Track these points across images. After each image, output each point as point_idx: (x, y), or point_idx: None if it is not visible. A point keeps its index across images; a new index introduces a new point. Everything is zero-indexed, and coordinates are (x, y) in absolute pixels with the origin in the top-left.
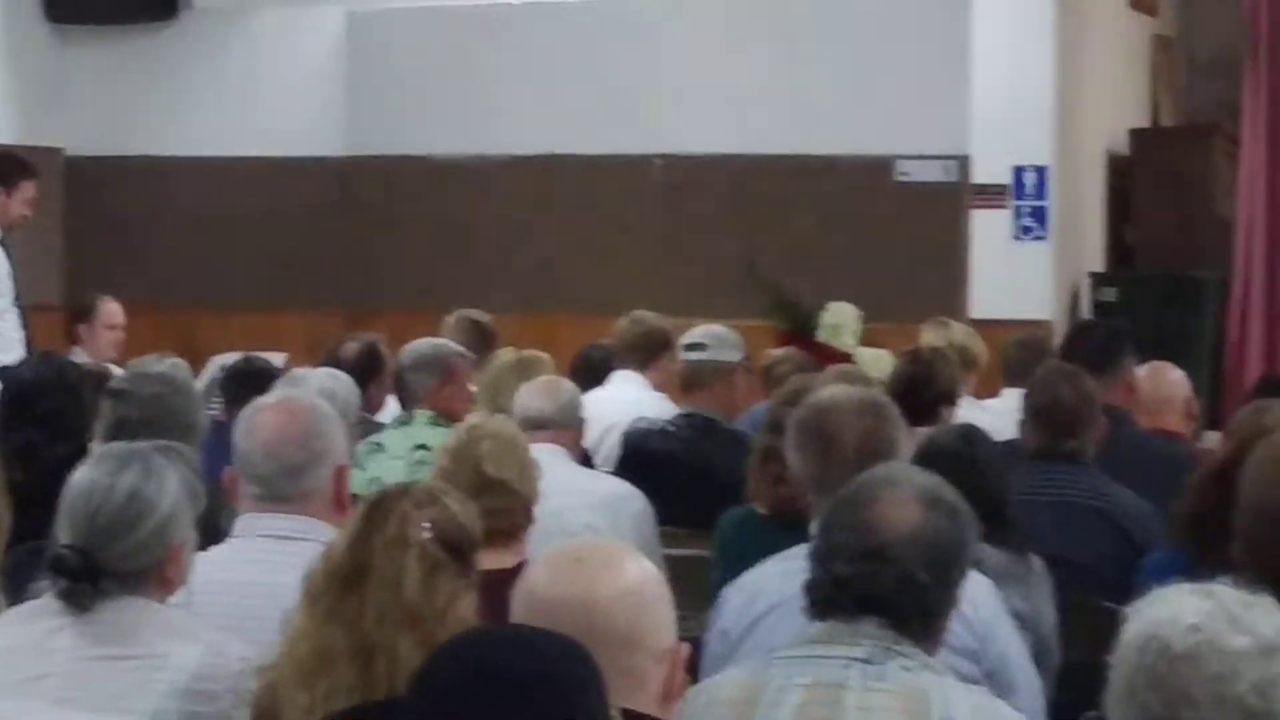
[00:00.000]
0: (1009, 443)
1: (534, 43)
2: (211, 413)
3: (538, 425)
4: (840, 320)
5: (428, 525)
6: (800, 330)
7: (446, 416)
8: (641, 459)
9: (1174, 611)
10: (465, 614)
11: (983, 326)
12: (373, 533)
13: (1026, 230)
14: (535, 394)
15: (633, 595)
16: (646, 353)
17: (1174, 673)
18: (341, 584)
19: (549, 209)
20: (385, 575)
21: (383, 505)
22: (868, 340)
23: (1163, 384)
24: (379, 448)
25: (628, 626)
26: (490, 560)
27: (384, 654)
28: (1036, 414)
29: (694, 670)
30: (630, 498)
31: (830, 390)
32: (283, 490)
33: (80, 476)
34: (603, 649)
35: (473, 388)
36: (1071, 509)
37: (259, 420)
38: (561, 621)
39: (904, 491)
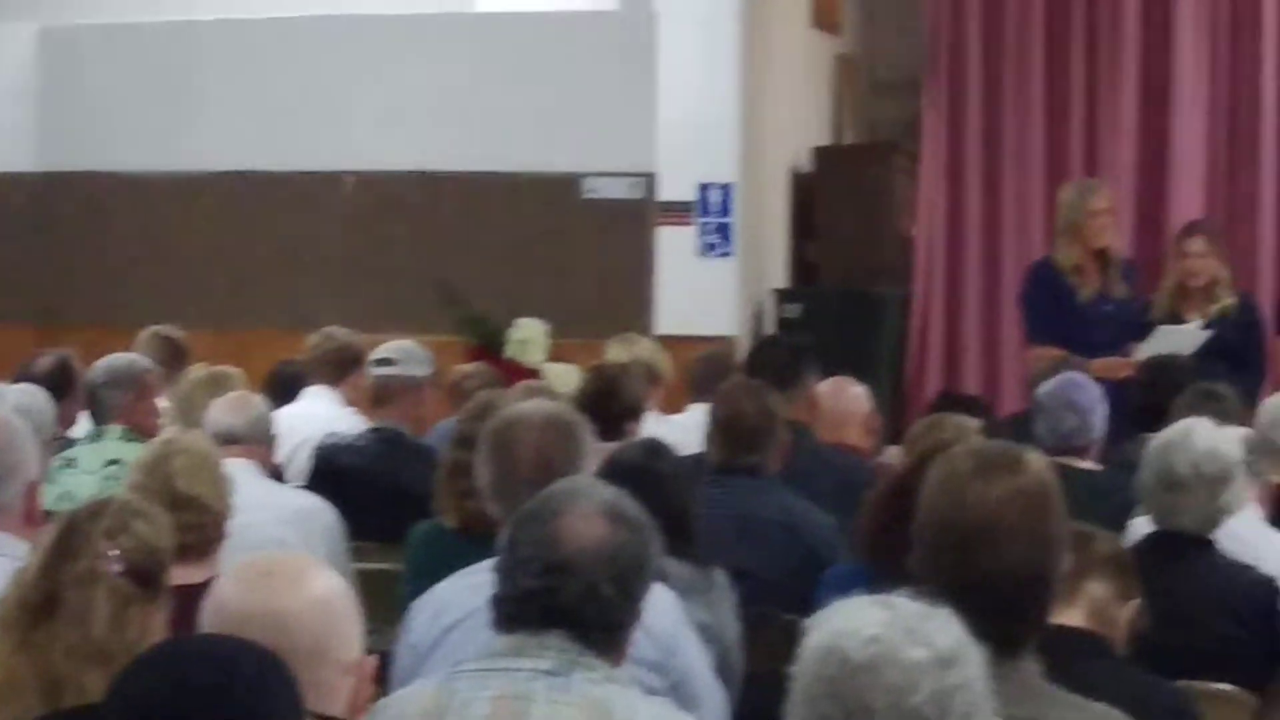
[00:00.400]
0: (693, 457)
1: (227, 59)
2: None
3: (229, 440)
4: (528, 336)
5: (117, 555)
6: (489, 346)
7: (139, 432)
8: (331, 474)
9: (853, 623)
10: (156, 638)
11: (669, 342)
12: (63, 562)
13: (711, 247)
14: (226, 409)
15: (321, 608)
16: (338, 368)
17: (853, 683)
18: (32, 615)
19: (241, 225)
20: (75, 611)
21: (74, 532)
22: (556, 356)
23: (844, 399)
24: (71, 463)
25: (316, 639)
26: (182, 575)
27: (72, 688)
28: (720, 428)
29: (383, 683)
30: (320, 512)
31: (520, 405)
32: None
33: None
34: (291, 661)
35: (163, 403)
36: (754, 522)
37: None
38: (251, 634)
39: (588, 505)
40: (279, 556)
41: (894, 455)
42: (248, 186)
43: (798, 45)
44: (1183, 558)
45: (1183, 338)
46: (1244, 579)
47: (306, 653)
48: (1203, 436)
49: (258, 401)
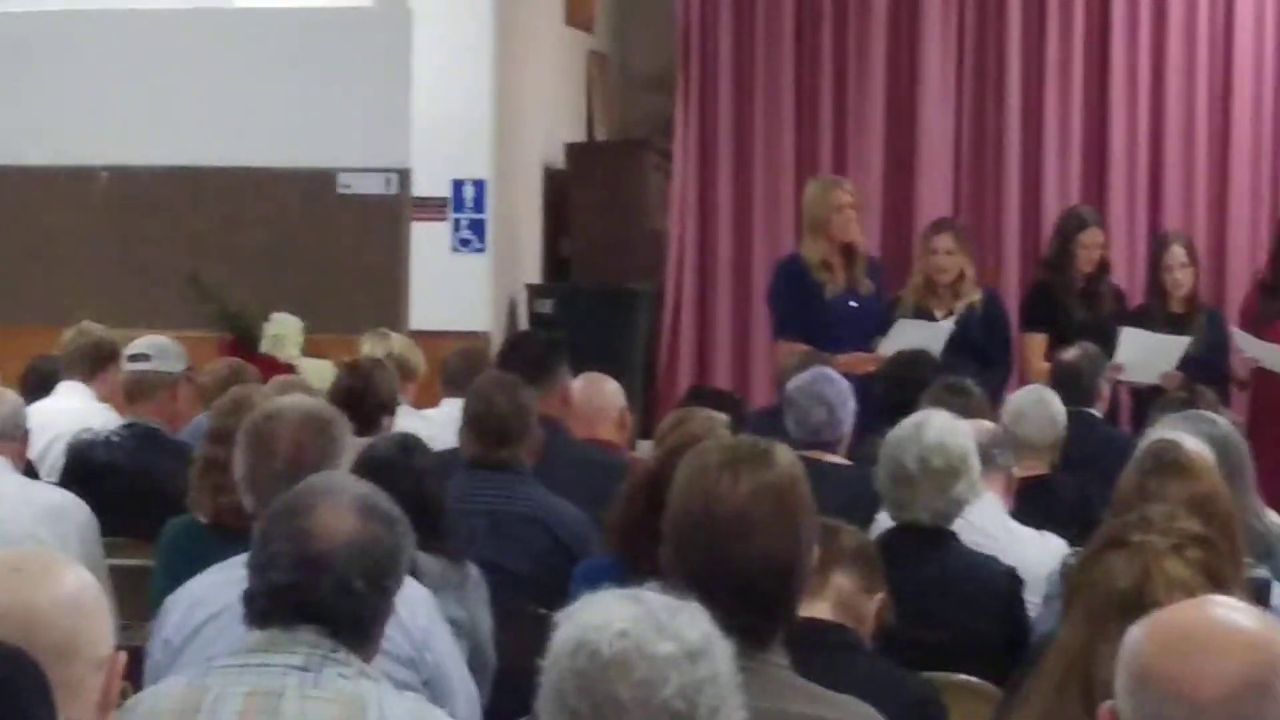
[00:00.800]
0: (448, 452)
1: None
2: None
3: None
4: (283, 331)
5: None
6: (244, 341)
7: None
8: (85, 469)
9: (604, 617)
10: None
11: (423, 337)
12: None
13: (465, 243)
14: None
15: (71, 604)
16: (93, 363)
17: (603, 678)
18: None
19: None
20: None
21: None
22: (310, 351)
23: (597, 395)
24: None
25: (66, 635)
26: None
27: None
28: (473, 423)
29: (135, 679)
30: (74, 508)
31: (279, 400)
32: None
33: None
34: (41, 658)
35: None
36: (507, 517)
37: None
38: None
39: (341, 500)
40: (27, 552)
41: (646, 450)
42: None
43: (551, 42)
44: (923, 551)
45: (922, 331)
46: (985, 571)
47: (56, 649)
48: (932, 430)
49: (10, 397)
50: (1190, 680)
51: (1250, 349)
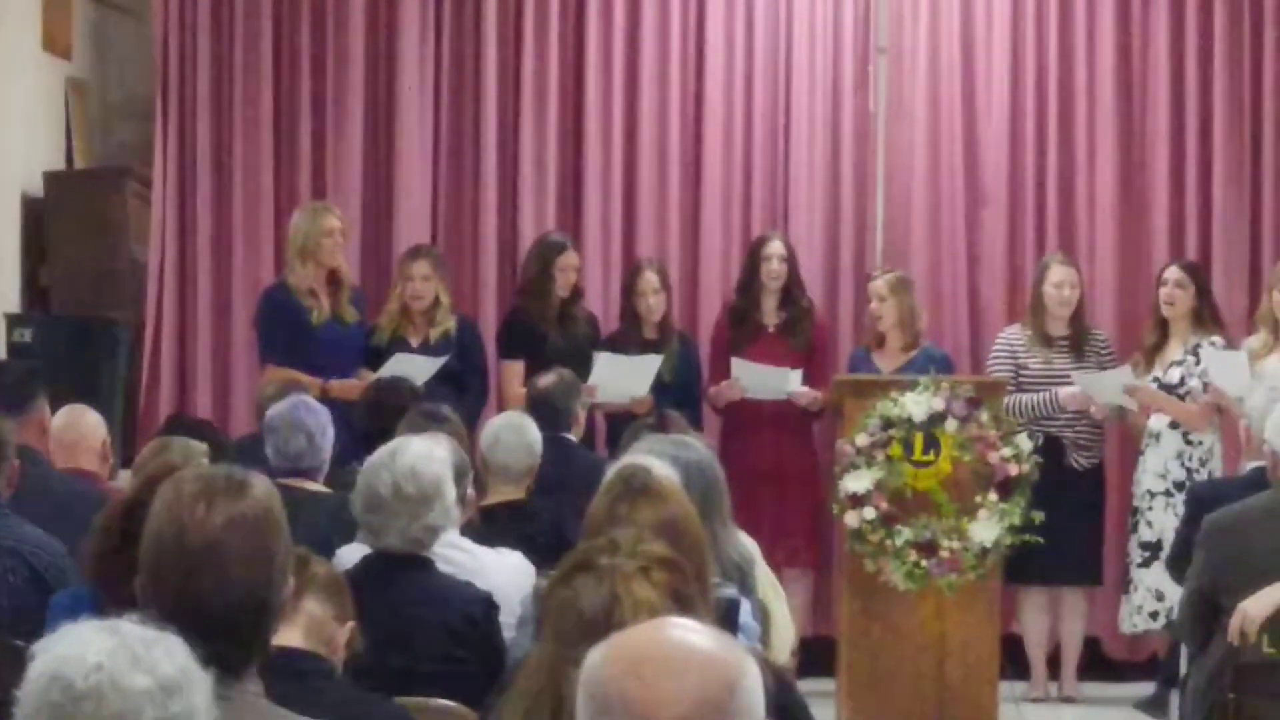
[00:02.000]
0: None
1: None
2: None
3: None
4: None
5: None
6: None
7: None
8: None
9: (79, 649)
10: None
11: None
12: None
13: None
14: None
15: None
16: None
17: (76, 711)
18: None
19: None
20: None
21: None
22: None
23: (78, 425)
24: None
25: None
26: None
27: None
28: None
29: None
30: None
31: None
32: None
33: None
34: None
35: None
36: None
37: None
38: None
39: None
40: None
41: (126, 480)
42: None
43: (28, 69)
44: (398, 577)
45: (416, 363)
46: (460, 596)
47: None
48: (406, 457)
49: None
50: (647, 701)
51: (746, 376)
